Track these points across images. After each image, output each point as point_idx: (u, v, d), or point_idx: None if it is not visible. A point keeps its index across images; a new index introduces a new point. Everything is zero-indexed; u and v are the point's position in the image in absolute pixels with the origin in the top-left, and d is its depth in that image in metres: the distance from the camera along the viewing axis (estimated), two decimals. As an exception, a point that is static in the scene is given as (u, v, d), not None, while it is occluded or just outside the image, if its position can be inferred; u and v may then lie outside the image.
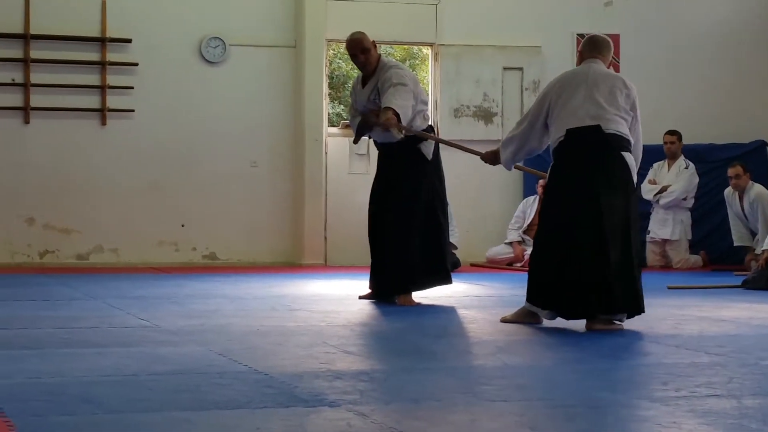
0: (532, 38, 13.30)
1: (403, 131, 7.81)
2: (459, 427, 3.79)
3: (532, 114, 6.91)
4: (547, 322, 6.71)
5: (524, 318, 6.77)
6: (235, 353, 5.40)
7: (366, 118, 8.13)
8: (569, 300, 6.51)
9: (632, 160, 6.64)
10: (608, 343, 6.09)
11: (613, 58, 13.41)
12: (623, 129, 6.62)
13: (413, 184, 8.04)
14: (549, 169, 6.77)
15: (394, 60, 9.22)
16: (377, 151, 8.46)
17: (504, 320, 6.85)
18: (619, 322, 6.56)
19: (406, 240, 8.02)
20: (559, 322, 6.63)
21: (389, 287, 8.11)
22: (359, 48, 8.12)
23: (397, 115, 7.71)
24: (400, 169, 8.11)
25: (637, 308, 6.56)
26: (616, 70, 13.47)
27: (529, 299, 6.74)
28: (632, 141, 6.67)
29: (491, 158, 7.25)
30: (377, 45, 8.25)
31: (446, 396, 4.39)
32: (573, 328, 6.53)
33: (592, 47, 6.95)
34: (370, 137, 8.43)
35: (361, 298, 8.30)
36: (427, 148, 8.12)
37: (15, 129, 12.09)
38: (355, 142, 8.58)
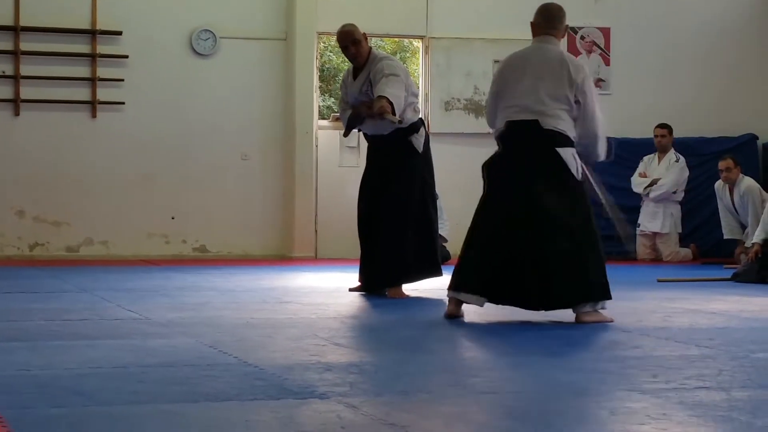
0: (523, 31, 13.04)
1: (398, 117, 7.79)
2: (449, 419, 3.80)
3: (490, 103, 6.88)
4: (542, 316, 6.68)
5: (456, 308, 6.67)
6: (226, 345, 5.40)
7: (357, 110, 8.13)
8: (495, 284, 6.48)
9: (570, 154, 6.56)
10: (598, 335, 6.11)
11: (603, 51, 13.54)
12: (562, 125, 6.55)
13: (404, 176, 8.05)
14: (492, 156, 6.75)
15: (384, 52, 9.23)
16: (367, 144, 8.46)
17: (446, 316, 6.73)
18: (602, 310, 6.53)
19: (398, 233, 8.02)
20: (556, 315, 6.62)
21: (380, 280, 8.12)
22: (350, 40, 8.12)
23: (390, 104, 7.70)
24: (390, 161, 8.12)
25: (587, 296, 6.47)
26: (606, 64, 13.51)
27: (451, 287, 6.66)
28: (572, 135, 6.59)
29: None
30: (368, 37, 8.25)
31: (436, 388, 4.40)
32: (563, 320, 6.53)
33: (545, 20, 6.79)
34: (360, 130, 8.43)
35: (351, 290, 8.31)
36: (418, 141, 8.13)
37: (5, 121, 12.06)
38: (345, 135, 8.57)
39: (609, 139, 6.95)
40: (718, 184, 12.16)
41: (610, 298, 6.57)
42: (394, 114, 7.70)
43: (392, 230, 8.03)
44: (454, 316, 6.67)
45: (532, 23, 6.86)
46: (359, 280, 8.33)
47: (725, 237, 12.21)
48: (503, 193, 6.60)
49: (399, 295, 8.01)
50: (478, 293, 6.57)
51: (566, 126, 6.57)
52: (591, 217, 6.57)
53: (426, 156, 8.18)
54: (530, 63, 6.68)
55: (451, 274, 6.74)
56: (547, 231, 6.44)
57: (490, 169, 6.74)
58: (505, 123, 6.62)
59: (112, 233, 12.29)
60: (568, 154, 6.56)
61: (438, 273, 8.19)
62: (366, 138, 8.44)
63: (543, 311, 6.55)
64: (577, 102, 6.60)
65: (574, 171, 6.55)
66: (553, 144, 6.52)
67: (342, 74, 10.39)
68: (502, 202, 6.58)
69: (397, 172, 8.08)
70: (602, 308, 6.55)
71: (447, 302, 6.74)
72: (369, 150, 8.41)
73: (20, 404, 3.93)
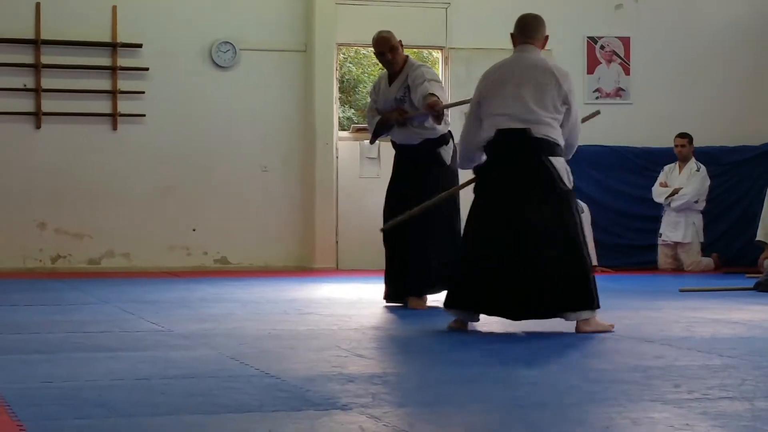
0: (543, 41, 13.27)
1: (446, 119, 7.84)
2: (472, 430, 3.79)
3: (470, 120, 6.84)
4: (475, 322, 6.67)
5: (458, 324, 6.68)
6: (247, 357, 5.40)
7: (386, 117, 8.14)
8: (487, 298, 6.47)
9: (561, 163, 6.55)
10: (619, 345, 6.09)
11: (623, 60, 13.52)
12: (552, 132, 6.54)
13: (431, 188, 8.03)
14: (480, 166, 6.73)
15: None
16: (393, 154, 8.44)
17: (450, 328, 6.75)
18: (600, 319, 6.50)
19: (424, 244, 8.01)
20: (562, 327, 6.61)
21: (404, 289, 8.09)
22: (388, 46, 8.13)
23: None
24: (418, 172, 8.11)
25: (580, 305, 6.44)
26: (626, 72, 13.48)
27: (445, 304, 6.67)
28: (562, 143, 6.58)
29: None
30: (402, 44, 8.25)
31: (459, 399, 4.39)
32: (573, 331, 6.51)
33: (522, 30, 6.78)
34: (387, 135, 8.40)
35: (387, 302, 8.23)
36: (447, 153, 8.14)
37: (26, 134, 12.12)
38: (372, 142, 8.59)
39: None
40: None
41: (598, 306, 6.52)
42: (442, 115, 7.75)
43: (418, 241, 8.02)
44: (457, 329, 6.67)
45: (511, 34, 6.85)
46: (386, 291, 8.28)
47: (757, 238, 12.02)
48: (492, 202, 6.57)
49: (420, 306, 8.00)
50: (469, 309, 6.58)
51: (556, 134, 6.56)
52: (578, 226, 6.55)
53: (453, 168, 8.18)
54: (512, 71, 6.65)
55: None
56: (535, 240, 6.42)
57: (479, 177, 6.72)
58: (495, 131, 6.59)
59: (133, 245, 12.32)
60: (560, 163, 6.54)
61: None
62: (394, 146, 8.41)
63: (543, 320, 6.56)
64: (566, 109, 6.59)
65: (565, 179, 6.52)
66: (544, 152, 6.50)
67: (362, 85, 10.40)
68: (492, 212, 6.55)
69: (424, 183, 8.06)
70: (588, 317, 6.49)
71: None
72: (396, 159, 8.39)
73: (43, 416, 3.94)
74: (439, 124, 7.92)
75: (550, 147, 6.52)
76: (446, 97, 8.22)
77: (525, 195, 6.49)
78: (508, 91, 6.58)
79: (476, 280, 6.52)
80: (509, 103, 6.56)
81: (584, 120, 7.00)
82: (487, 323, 6.97)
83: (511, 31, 6.84)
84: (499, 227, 6.50)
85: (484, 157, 6.77)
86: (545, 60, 6.79)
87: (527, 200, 6.48)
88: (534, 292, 6.41)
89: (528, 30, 6.78)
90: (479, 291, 6.51)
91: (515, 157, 6.54)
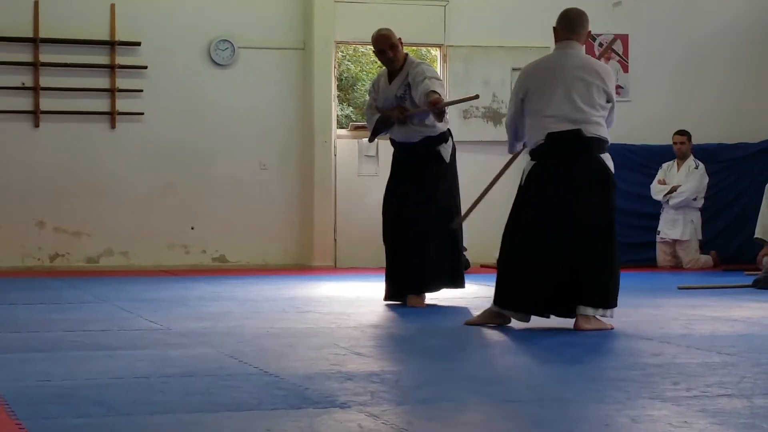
0: (541, 39, 13.21)
1: (445, 117, 7.86)
2: (471, 428, 3.79)
3: (512, 113, 6.86)
4: (526, 322, 6.67)
5: (490, 319, 6.72)
6: (246, 355, 5.40)
7: (386, 115, 8.13)
8: (543, 299, 6.49)
9: (611, 161, 6.63)
10: (619, 343, 6.09)
11: (622, 57, 13.52)
12: (602, 131, 6.60)
13: (431, 186, 8.03)
14: (527, 168, 6.72)
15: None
16: (391, 152, 8.43)
17: (469, 323, 6.80)
18: (603, 318, 6.53)
19: (424, 242, 7.99)
20: (560, 323, 6.61)
21: (404, 287, 8.08)
22: (388, 44, 8.12)
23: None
24: (417, 170, 8.10)
25: (606, 303, 6.51)
26: (625, 70, 13.49)
27: (497, 302, 6.70)
28: (609, 139, 6.65)
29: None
30: (402, 42, 8.24)
31: (457, 396, 4.39)
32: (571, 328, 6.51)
33: (566, 25, 6.78)
34: (386, 134, 8.39)
35: (386, 302, 8.22)
36: (446, 151, 8.13)
37: (25, 133, 12.11)
38: (371, 140, 8.59)
39: None
40: None
41: (616, 305, 6.60)
42: (444, 112, 7.76)
43: (417, 239, 8.01)
44: (480, 324, 6.68)
45: (554, 28, 6.83)
46: (386, 291, 8.27)
47: (756, 235, 12.02)
48: (546, 203, 6.57)
49: (419, 304, 7.99)
50: (522, 310, 6.60)
51: (604, 132, 6.63)
52: (614, 224, 6.60)
53: (452, 166, 8.17)
54: (559, 70, 6.64)
55: (494, 285, 6.74)
56: (586, 240, 6.47)
57: (528, 181, 6.70)
58: (546, 135, 6.59)
59: (132, 244, 12.32)
60: (609, 160, 6.61)
61: (461, 284, 8.17)
62: (393, 145, 8.40)
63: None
64: (609, 106, 6.66)
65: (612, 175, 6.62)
66: (596, 151, 6.56)
67: (360, 83, 10.39)
68: (546, 212, 6.55)
69: (423, 181, 8.05)
70: (608, 315, 6.53)
71: (469, 308, 6.75)
72: (395, 157, 8.36)
73: (41, 415, 3.94)
74: (441, 121, 7.92)
75: (601, 145, 6.58)
76: (446, 94, 8.21)
77: (580, 195, 6.52)
78: (558, 92, 6.58)
79: (533, 283, 6.52)
80: (560, 105, 6.56)
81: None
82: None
83: (553, 25, 6.84)
84: (554, 227, 6.51)
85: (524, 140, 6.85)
86: (589, 57, 6.85)
87: (581, 200, 6.51)
88: (577, 288, 6.48)
89: (572, 25, 6.76)
90: (537, 293, 6.53)
91: (569, 158, 6.55)
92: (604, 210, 6.56)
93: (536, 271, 6.50)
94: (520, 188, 6.73)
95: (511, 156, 7.35)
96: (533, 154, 6.69)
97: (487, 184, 7.65)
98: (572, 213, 6.50)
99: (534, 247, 6.54)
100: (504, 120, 7.06)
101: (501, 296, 6.67)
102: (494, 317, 6.72)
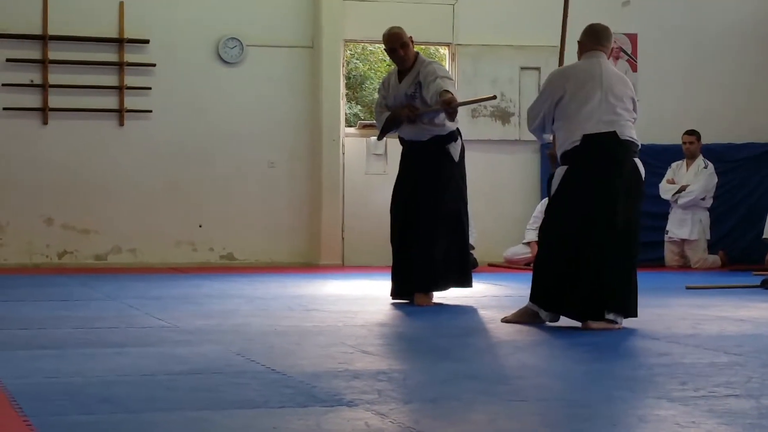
0: (549, 38, 13.19)
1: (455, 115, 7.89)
2: (478, 427, 3.78)
3: (545, 108, 6.87)
4: (555, 322, 6.68)
5: (526, 318, 6.76)
6: (253, 353, 5.41)
7: (396, 113, 8.12)
8: (576, 301, 6.51)
9: (642, 166, 6.73)
10: (626, 343, 6.09)
11: (630, 57, 13.50)
12: (635, 134, 6.74)
13: (439, 185, 8.02)
14: (560, 172, 6.72)
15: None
16: (400, 150, 8.41)
17: (505, 320, 6.85)
18: (615, 322, 6.53)
19: (431, 240, 7.99)
20: (568, 322, 6.60)
21: (411, 285, 8.07)
22: (399, 42, 8.11)
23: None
24: (426, 169, 8.08)
25: (627, 310, 6.59)
26: (633, 69, 13.47)
27: (533, 299, 6.74)
28: (640, 145, 6.77)
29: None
30: (413, 41, 8.23)
31: (465, 396, 4.39)
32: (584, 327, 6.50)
33: (594, 38, 6.90)
34: (395, 131, 8.38)
35: (394, 300, 8.21)
36: (455, 150, 8.12)
37: (33, 130, 12.13)
38: (380, 138, 8.57)
39: None
40: None
41: (636, 315, 6.68)
42: (456, 112, 7.76)
43: (425, 238, 8.00)
44: (517, 322, 6.75)
45: (579, 42, 6.97)
46: (392, 289, 8.26)
47: (764, 236, 12.01)
48: (583, 208, 6.59)
49: (426, 302, 7.98)
50: (553, 310, 6.65)
51: (636, 136, 6.74)
52: (639, 230, 6.70)
53: (461, 165, 8.17)
54: (597, 76, 6.74)
55: (531, 283, 6.78)
56: (617, 246, 6.56)
57: (562, 184, 6.71)
58: (582, 137, 6.62)
59: (140, 241, 12.33)
60: (641, 165, 6.72)
61: (468, 283, 8.16)
62: (402, 143, 8.38)
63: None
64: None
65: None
66: (631, 153, 6.67)
67: (368, 81, 10.38)
68: (584, 213, 6.59)
69: (432, 180, 8.04)
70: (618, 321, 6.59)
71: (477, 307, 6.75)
72: (404, 155, 8.33)
73: (49, 411, 3.95)
74: (453, 120, 7.92)
75: (635, 148, 6.71)
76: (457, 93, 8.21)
77: (616, 200, 6.58)
78: (596, 95, 6.66)
79: (567, 285, 6.55)
80: (597, 108, 6.64)
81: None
82: (491, 318, 6.97)
83: (578, 38, 6.99)
84: (591, 232, 6.54)
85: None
86: (615, 68, 7.01)
87: (617, 205, 6.58)
88: (606, 294, 6.54)
89: (600, 38, 6.92)
90: (560, 294, 6.58)
91: (606, 159, 6.62)
92: (633, 217, 6.65)
93: (570, 273, 6.54)
94: (555, 192, 6.75)
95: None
96: (566, 156, 6.70)
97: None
98: (609, 217, 6.56)
99: (569, 250, 6.57)
100: (526, 110, 7.10)
101: (536, 295, 6.72)
102: (529, 316, 6.76)
